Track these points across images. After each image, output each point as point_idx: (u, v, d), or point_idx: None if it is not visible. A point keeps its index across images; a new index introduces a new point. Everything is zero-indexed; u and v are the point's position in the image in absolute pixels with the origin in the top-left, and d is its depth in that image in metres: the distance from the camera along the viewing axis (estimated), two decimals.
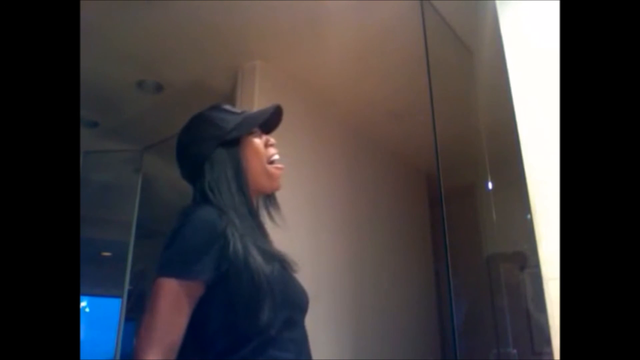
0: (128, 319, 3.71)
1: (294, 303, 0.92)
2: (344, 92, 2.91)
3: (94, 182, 3.70)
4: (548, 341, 1.45)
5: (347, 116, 3.07)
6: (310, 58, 2.61)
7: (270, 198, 1.08)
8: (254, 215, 0.97)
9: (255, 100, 2.50)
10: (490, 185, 2.68)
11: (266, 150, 1.03)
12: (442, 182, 1.99)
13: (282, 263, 0.92)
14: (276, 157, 1.04)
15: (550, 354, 1.44)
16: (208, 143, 1.00)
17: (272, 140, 1.06)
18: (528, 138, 1.68)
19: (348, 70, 2.70)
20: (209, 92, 2.89)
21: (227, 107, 1.08)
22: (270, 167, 1.02)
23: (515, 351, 2.64)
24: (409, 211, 3.72)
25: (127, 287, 3.51)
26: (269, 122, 1.08)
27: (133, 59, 2.62)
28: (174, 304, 0.79)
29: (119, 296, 3.55)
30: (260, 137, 1.04)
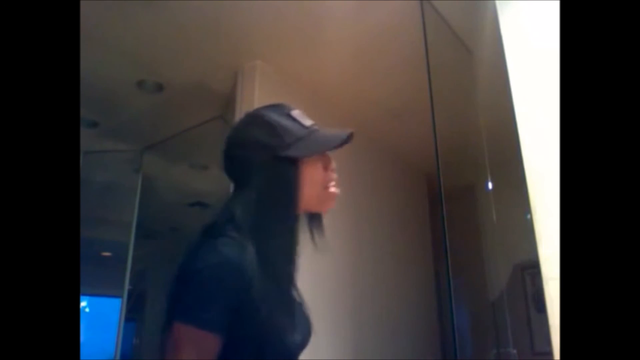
0: (128, 319, 3.71)
1: (296, 353, 0.86)
2: (343, 92, 2.91)
3: (94, 182, 3.71)
4: (548, 341, 1.45)
5: (347, 116, 3.07)
6: (310, 58, 2.61)
7: (316, 219, 0.97)
8: (292, 247, 0.87)
9: (255, 100, 2.50)
10: (490, 185, 2.68)
11: (325, 174, 0.91)
12: (442, 182, 1.99)
13: (299, 305, 0.88)
14: (334, 183, 0.92)
15: (550, 354, 1.44)
16: (261, 151, 0.87)
17: (333, 164, 0.93)
18: (528, 138, 1.68)
19: (348, 70, 2.70)
20: (209, 92, 2.89)
21: (296, 113, 0.92)
22: (324, 193, 0.91)
23: (515, 351, 2.64)
24: (409, 211, 3.72)
25: (127, 287, 3.51)
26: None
27: (133, 59, 2.62)
28: (197, 354, 0.74)
29: (119, 296, 3.55)
30: (321, 158, 0.91)
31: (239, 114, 2.55)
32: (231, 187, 0.93)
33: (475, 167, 2.73)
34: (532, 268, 1.65)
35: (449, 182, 2.13)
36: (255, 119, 0.92)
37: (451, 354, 3.15)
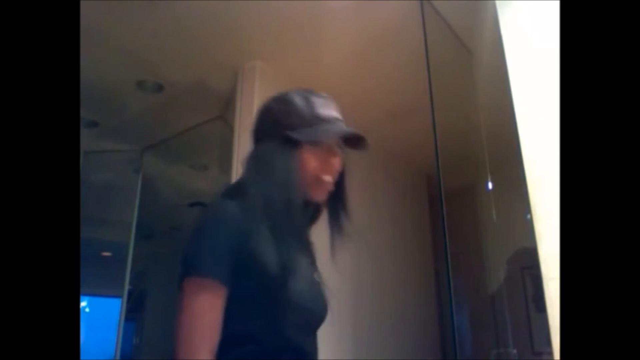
0: (128, 319, 3.71)
1: (310, 312, 0.91)
2: (343, 92, 2.90)
3: (94, 182, 3.71)
4: (548, 341, 1.45)
5: (346, 116, 3.06)
6: (310, 58, 2.61)
7: (309, 207, 0.98)
8: (293, 220, 0.89)
9: (255, 100, 2.50)
10: (490, 185, 2.68)
11: (321, 165, 0.94)
12: (442, 182, 1.99)
13: (313, 280, 0.93)
14: (328, 177, 0.95)
15: (550, 354, 1.44)
16: (272, 126, 0.95)
17: (335, 161, 0.96)
18: (528, 138, 1.68)
19: (348, 70, 2.70)
20: (209, 92, 2.89)
21: (316, 101, 0.96)
22: (314, 182, 0.94)
23: (515, 351, 2.64)
24: (409, 211, 3.72)
25: (127, 287, 3.51)
26: (351, 140, 0.98)
27: (133, 59, 2.62)
28: (207, 303, 0.79)
29: (119, 296, 3.55)
30: (324, 149, 0.95)
31: (239, 114, 2.55)
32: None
33: (475, 167, 2.73)
34: (532, 268, 1.65)
35: (449, 182, 2.12)
36: (280, 97, 0.98)
37: (451, 354, 3.15)
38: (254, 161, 0.94)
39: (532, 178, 1.63)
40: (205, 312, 0.79)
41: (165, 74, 2.77)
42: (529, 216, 1.60)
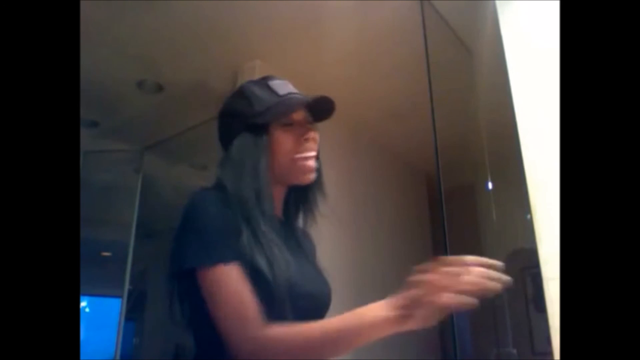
0: (128, 319, 3.70)
1: (309, 295, 0.89)
2: (343, 92, 2.91)
3: (94, 182, 3.71)
4: (548, 341, 1.45)
5: (346, 116, 3.07)
6: (310, 58, 2.61)
7: (298, 193, 0.97)
8: (270, 214, 0.87)
9: None
10: (490, 185, 2.68)
11: (296, 144, 0.91)
12: (442, 182, 1.99)
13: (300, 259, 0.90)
14: (310, 153, 0.91)
15: (550, 354, 1.44)
16: (235, 119, 0.92)
17: (312, 134, 0.92)
18: (528, 138, 1.68)
19: (348, 70, 2.70)
20: (209, 92, 2.89)
21: (274, 83, 0.95)
22: (293, 163, 0.90)
23: (515, 351, 2.64)
24: (409, 211, 3.71)
25: (127, 287, 3.51)
26: (318, 111, 0.95)
27: (133, 59, 2.63)
28: (231, 283, 0.77)
29: (119, 296, 3.55)
30: (295, 127, 0.91)
31: None
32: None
33: (475, 167, 2.73)
34: (532, 268, 1.65)
35: (449, 182, 2.13)
36: (238, 90, 0.96)
37: (451, 354, 3.15)
38: (226, 158, 0.91)
39: (533, 178, 1.63)
40: (234, 290, 0.76)
41: (165, 74, 2.77)
42: (529, 216, 1.60)
